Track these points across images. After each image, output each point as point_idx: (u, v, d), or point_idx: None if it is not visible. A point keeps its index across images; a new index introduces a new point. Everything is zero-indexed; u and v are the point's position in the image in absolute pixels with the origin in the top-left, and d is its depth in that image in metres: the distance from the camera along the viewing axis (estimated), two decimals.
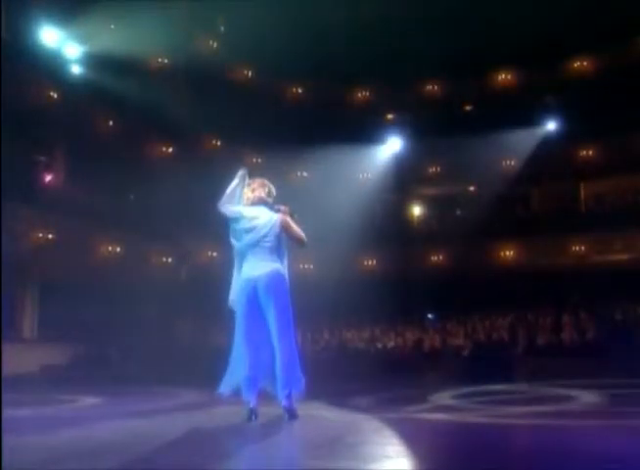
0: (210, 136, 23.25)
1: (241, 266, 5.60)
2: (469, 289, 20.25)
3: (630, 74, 20.31)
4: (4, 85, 15.46)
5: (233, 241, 5.58)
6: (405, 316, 19.62)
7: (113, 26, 19.95)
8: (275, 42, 19.85)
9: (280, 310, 5.40)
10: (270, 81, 23.90)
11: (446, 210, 24.99)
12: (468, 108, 24.64)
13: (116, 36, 19.44)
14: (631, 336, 14.47)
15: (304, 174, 24.17)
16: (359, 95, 25.01)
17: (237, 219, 5.53)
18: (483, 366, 12.75)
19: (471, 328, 17.79)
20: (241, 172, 5.77)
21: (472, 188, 24.29)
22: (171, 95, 19.85)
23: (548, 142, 22.42)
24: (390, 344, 17.71)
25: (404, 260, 22.07)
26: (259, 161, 21.04)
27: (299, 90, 24.87)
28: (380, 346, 17.77)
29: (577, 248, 21.15)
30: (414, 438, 4.83)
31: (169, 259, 22.02)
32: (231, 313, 5.62)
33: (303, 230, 5.62)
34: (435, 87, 24.35)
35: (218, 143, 23.40)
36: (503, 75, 23.77)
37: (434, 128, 21.84)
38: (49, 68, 19.28)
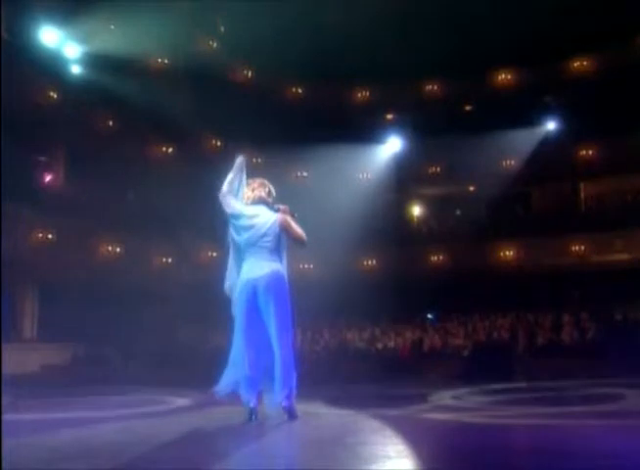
0: (210, 136, 23.25)
1: (238, 258, 5.60)
2: (469, 289, 20.25)
3: (630, 74, 20.30)
4: (4, 85, 15.46)
5: (233, 234, 5.58)
6: (405, 316, 19.62)
7: (112, 26, 19.96)
8: (275, 42, 19.85)
9: (280, 311, 5.40)
10: (270, 81, 23.91)
11: (446, 209, 24.99)
12: (468, 108, 24.64)
13: (116, 36, 19.46)
14: (631, 336, 14.47)
15: (304, 174, 24.17)
16: (359, 95, 25.00)
17: (237, 216, 5.54)
18: (484, 366, 12.75)
19: (471, 328, 17.80)
20: (239, 160, 5.77)
21: (472, 188, 24.29)
22: (171, 95, 19.86)
23: (548, 142, 22.44)
24: (391, 344, 17.71)
25: (404, 260, 22.06)
26: (259, 161, 21.01)
27: (299, 90, 24.87)
28: (380, 346, 17.77)
29: (577, 248, 21.14)
30: (414, 438, 4.82)
31: (169, 260, 22.02)
32: (231, 313, 5.63)
33: (303, 230, 5.62)
34: (435, 87, 24.35)
35: (218, 143, 23.40)
36: (503, 75, 23.76)
37: (433, 128, 21.85)
38: (49, 68, 19.29)
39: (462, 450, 4.19)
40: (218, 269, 5.87)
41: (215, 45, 23.53)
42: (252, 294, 5.43)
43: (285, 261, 5.63)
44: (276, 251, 5.53)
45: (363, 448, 4.25)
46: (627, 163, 21.28)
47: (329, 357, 17.10)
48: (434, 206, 25.66)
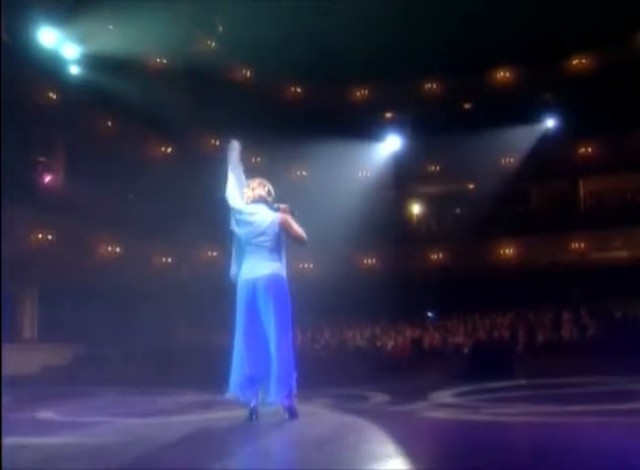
0: (209, 136, 23.24)
1: (240, 250, 5.62)
2: (469, 287, 20.25)
3: (629, 72, 20.30)
4: (3, 86, 15.45)
5: (235, 228, 5.60)
6: (405, 315, 19.61)
7: (111, 27, 19.95)
8: (273, 42, 19.83)
9: (279, 311, 5.40)
10: (269, 81, 23.89)
11: (446, 208, 24.99)
12: (467, 106, 24.62)
13: (115, 37, 19.44)
14: (631, 333, 14.48)
15: (304, 173, 24.16)
16: (358, 94, 24.99)
17: (238, 211, 5.56)
18: (484, 364, 12.75)
19: (471, 326, 17.81)
20: (231, 146, 5.81)
21: (471, 186, 24.28)
22: (170, 95, 19.84)
23: (547, 140, 22.43)
24: (391, 342, 17.71)
25: (404, 259, 22.07)
26: (258, 160, 21.01)
27: (298, 89, 24.86)
28: (380, 344, 17.77)
29: (577, 245, 21.15)
30: (415, 436, 4.83)
31: (169, 260, 22.02)
32: (231, 313, 5.64)
33: (303, 229, 5.63)
34: (434, 85, 24.33)
35: (217, 143, 23.40)
36: (502, 73, 23.75)
37: (433, 126, 21.83)
38: (48, 68, 19.28)
39: (462, 449, 4.19)
40: (218, 269, 5.88)
41: (214, 45, 23.52)
42: (252, 293, 5.44)
43: (285, 261, 5.64)
44: (276, 250, 5.54)
45: (364, 447, 4.25)
46: (626, 160, 21.30)
47: (329, 356, 17.10)
48: (434, 204, 25.65)
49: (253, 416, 5.25)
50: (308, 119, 22.19)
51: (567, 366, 12.06)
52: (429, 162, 24.30)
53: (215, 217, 5.83)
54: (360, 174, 23.95)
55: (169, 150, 23.15)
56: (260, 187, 5.75)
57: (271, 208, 5.63)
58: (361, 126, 22.65)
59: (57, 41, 19.75)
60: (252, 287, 5.43)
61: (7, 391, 8.60)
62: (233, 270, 5.70)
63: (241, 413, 5.34)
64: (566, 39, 20.88)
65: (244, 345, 5.41)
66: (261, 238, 5.49)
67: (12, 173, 15.71)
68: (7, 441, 4.06)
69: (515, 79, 23.50)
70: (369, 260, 23.01)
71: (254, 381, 5.33)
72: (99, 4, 18.27)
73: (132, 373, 14.83)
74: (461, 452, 4.03)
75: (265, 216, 5.54)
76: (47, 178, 20.31)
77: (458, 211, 24.84)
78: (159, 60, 22.31)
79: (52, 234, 18.64)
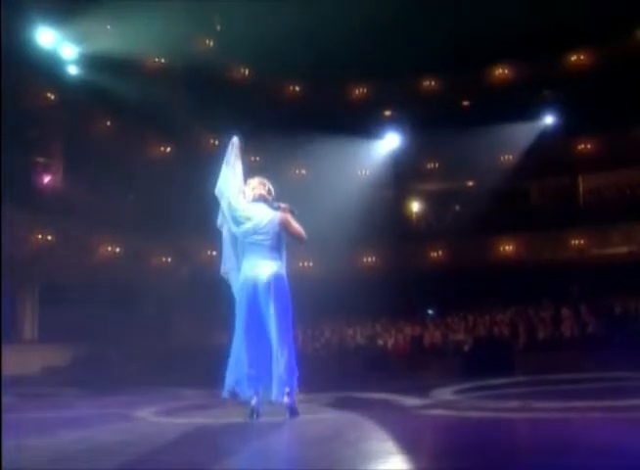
0: (209, 135, 23.22)
1: (235, 246, 5.62)
2: (469, 284, 20.25)
3: (629, 68, 20.27)
4: (2, 87, 15.44)
5: (231, 225, 5.59)
6: (405, 312, 19.62)
7: (109, 27, 19.92)
8: (272, 40, 19.79)
9: (280, 310, 5.41)
10: (268, 80, 23.87)
11: (445, 205, 24.99)
12: (466, 103, 24.59)
13: (113, 36, 19.42)
14: (631, 329, 14.48)
15: (303, 172, 24.15)
16: (357, 91, 24.96)
17: (235, 208, 5.56)
18: (484, 361, 12.74)
19: (471, 323, 17.81)
20: (231, 142, 5.81)
21: (470, 183, 24.28)
22: (169, 95, 19.82)
23: (546, 136, 22.42)
24: (391, 340, 17.72)
25: (404, 257, 22.08)
26: (257, 159, 20.99)
27: (297, 88, 24.84)
28: (380, 342, 17.78)
29: (576, 242, 21.14)
30: (416, 434, 4.83)
31: (169, 260, 22.01)
32: (231, 312, 5.64)
33: (303, 227, 5.63)
34: (433, 82, 24.30)
35: (216, 142, 23.37)
36: (501, 70, 23.72)
37: (431, 124, 21.82)
38: (46, 69, 19.25)
39: (463, 446, 4.19)
40: (218, 269, 5.88)
41: (212, 44, 23.49)
42: (253, 292, 5.44)
43: (285, 260, 5.65)
44: (276, 249, 5.55)
45: (365, 445, 4.25)
46: (626, 156, 21.27)
47: (329, 354, 17.11)
48: (433, 201, 25.65)
49: (254, 415, 5.26)
50: (307, 118, 22.17)
51: (567, 363, 12.07)
52: (428, 159, 24.28)
53: (215, 217, 5.82)
54: (359, 172, 23.95)
55: (168, 149, 23.14)
56: (260, 186, 5.77)
57: (271, 206, 5.64)
58: (360, 124, 22.65)
59: (55, 41, 19.72)
60: (253, 285, 5.44)
61: (8, 391, 8.61)
62: (224, 267, 5.72)
63: (241, 412, 5.34)
64: (564, 36, 20.84)
65: (244, 343, 5.41)
66: (261, 237, 5.50)
67: (11, 174, 15.70)
68: (7, 441, 4.05)
69: (513, 76, 23.47)
70: (369, 258, 23.01)
71: (255, 379, 5.34)
72: (97, 4, 18.24)
73: (133, 373, 14.82)
74: (462, 450, 4.03)
75: (265, 215, 5.55)
76: (46, 179, 20.30)
77: (457, 208, 24.83)
78: (157, 59, 22.28)
79: (52, 235, 18.62)
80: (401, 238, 23.09)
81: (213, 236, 5.92)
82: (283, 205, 5.63)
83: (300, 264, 20.10)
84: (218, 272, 5.83)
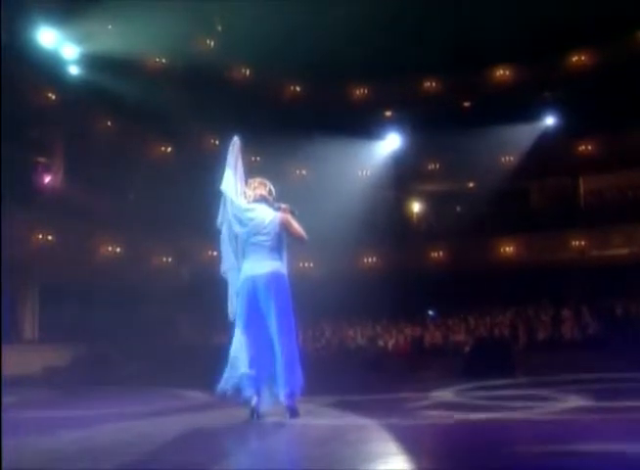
0: (209, 135, 23.22)
1: (236, 245, 5.60)
2: (469, 285, 20.25)
3: (629, 69, 20.27)
4: (2, 87, 15.44)
5: (233, 224, 5.56)
6: (406, 313, 19.62)
7: (110, 27, 19.93)
8: (273, 40, 19.81)
9: (280, 309, 5.40)
10: (268, 80, 23.87)
11: (446, 206, 24.99)
12: (467, 104, 24.61)
13: (114, 36, 19.42)
14: (632, 330, 14.47)
15: (303, 172, 24.16)
16: (357, 92, 24.96)
17: (239, 209, 5.55)
18: (485, 362, 12.72)
19: (472, 324, 17.80)
20: (232, 142, 5.81)
21: (471, 184, 24.28)
22: (169, 95, 19.83)
23: (547, 137, 22.43)
24: (391, 341, 17.71)
25: (404, 257, 22.07)
26: (258, 159, 20.99)
27: (298, 88, 24.84)
28: (381, 343, 17.78)
29: (577, 243, 21.14)
30: (416, 435, 4.82)
31: (170, 260, 22.00)
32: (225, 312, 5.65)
33: (304, 228, 5.63)
34: (434, 83, 24.31)
35: (217, 142, 23.38)
36: (501, 71, 23.73)
37: (432, 125, 21.83)
38: (47, 68, 19.24)
39: (463, 447, 4.19)
40: (218, 268, 5.88)
41: (213, 44, 23.49)
42: (253, 292, 5.44)
43: (286, 260, 5.64)
44: (277, 249, 5.55)
45: (365, 446, 4.25)
46: (627, 157, 21.28)
47: (330, 355, 17.10)
48: (434, 202, 25.65)
49: (254, 415, 5.25)
50: (308, 118, 22.18)
51: (567, 364, 12.05)
52: (429, 160, 24.28)
53: (216, 217, 5.82)
54: (360, 173, 23.95)
55: (169, 149, 23.14)
56: (261, 186, 5.77)
57: (272, 207, 5.64)
58: (361, 125, 22.65)
59: (56, 41, 19.73)
60: (253, 285, 5.44)
61: (8, 391, 8.60)
62: (223, 266, 5.70)
63: (242, 413, 5.33)
64: (565, 36, 20.86)
65: (245, 343, 5.40)
66: (262, 237, 5.49)
67: (11, 174, 15.70)
68: (7, 441, 4.05)
69: (514, 77, 23.48)
70: (369, 259, 23.01)
71: (255, 380, 5.33)
72: (98, 4, 18.25)
73: (133, 373, 14.81)
74: (462, 451, 4.03)
75: (266, 215, 5.55)
76: (47, 179, 20.29)
77: (458, 209, 24.83)
78: (157, 59, 22.28)
79: (52, 234, 18.62)
80: (402, 239, 23.10)
81: (214, 236, 5.91)
82: (284, 205, 5.63)
83: (301, 265, 20.09)
84: (219, 272, 5.83)
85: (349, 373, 13.05)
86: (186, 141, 22.67)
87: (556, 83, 22.70)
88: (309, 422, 5.33)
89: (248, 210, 5.58)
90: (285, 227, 5.54)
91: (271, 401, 5.42)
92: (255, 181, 5.82)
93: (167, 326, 19.59)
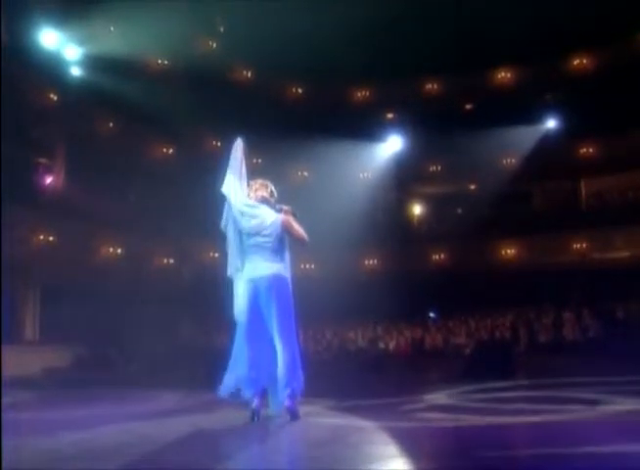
0: (210, 136, 23.25)
1: (239, 245, 5.58)
2: (470, 287, 20.24)
3: (631, 72, 20.28)
4: (4, 87, 15.46)
5: (238, 223, 5.55)
6: (407, 315, 19.61)
7: (112, 28, 19.97)
8: (274, 42, 19.83)
9: (282, 311, 5.40)
10: (270, 81, 23.90)
11: (447, 208, 24.99)
12: (468, 106, 24.63)
13: (116, 38, 19.47)
14: (633, 333, 14.44)
15: (305, 174, 24.17)
16: (359, 94, 25.00)
17: (240, 209, 5.55)
18: (485, 364, 12.71)
19: (473, 326, 17.79)
20: (235, 144, 5.80)
21: (472, 186, 24.28)
22: (171, 96, 19.85)
23: (548, 140, 22.45)
24: (392, 343, 17.71)
25: (405, 259, 22.08)
26: (260, 161, 21.01)
27: (299, 90, 24.87)
28: (382, 345, 17.77)
29: (578, 245, 21.15)
30: (416, 436, 4.82)
31: (171, 260, 22.01)
32: (231, 313, 5.63)
33: (305, 229, 5.62)
34: (435, 85, 24.35)
35: (218, 143, 23.40)
36: (503, 73, 23.76)
37: (434, 127, 21.85)
38: (49, 70, 19.29)
39: (463, 449, 4.18)
40: (220, 270, 5.87)
41: (215, 45, 23.53)
42: (254, 294, 5.43)
43: (288, 262, 5.62)
44: (278, 251, 5.53)
45: (365, 448, 4.24)
46: (628, 160, 21.29)
47: (331, 357, 17.10)
48: (435, 204, 25.66)
49: (255, 417, 5.24)
50: (309, 120, 22.21)
51: (568, 366, 12.04)
52: (430, 162, 24.31)
53: (217, 218, 5.82)
54: (362, 175, 23.97)
55: (170, 151, 23.17)
56: (263, 188, 5.76)
57: (274, 208, 5.63)
58: (362, 127, 22.68)
59: (58, 42, 19.77)
60: (254, 287, 5.43)
61: (8, 392, 8.60)
62: (230, 268, 5.67)
63: (242, 414, 5.33)
64: (567, 39, 20.88)
65: (246, 345, 5.40)
66: (263, 239, 5.48)
67: (13, 175, 15.70)
68: (7, 441, 4.05)
69: (516, 79, 23.52)
70: (370, 261, 23.02)
71: (256, 381, 5.32)
72: (100, 5, 18.29)
73: (134, 374, 14.82)
74: (462, 453, 4.02)
75: (267, 217, 5.53)
76: (48, 180, 20.31)
77: (459, 211, 24.83)
78: (159, 61, 22.33)
79: (53, 235, 18.64)
80: (403, 241, 23.10)
81: (215, 237, 5.90)
82: (285, 207, 5.62)
83: (302, 267, 20.09)
84: (220, 273, 5.82)
85: (350, 375, 13.04)
86: (187, 142, 22.71)
87: (558, 86, 22.72)
88: (310, 423, 5.33)
89: (252, 205, 5.58)
90: (286, 229, 5.53)
91: (272, 403, 5.42)
92: (257, 183, 5.80)
93: (168, 327, 19.58)
